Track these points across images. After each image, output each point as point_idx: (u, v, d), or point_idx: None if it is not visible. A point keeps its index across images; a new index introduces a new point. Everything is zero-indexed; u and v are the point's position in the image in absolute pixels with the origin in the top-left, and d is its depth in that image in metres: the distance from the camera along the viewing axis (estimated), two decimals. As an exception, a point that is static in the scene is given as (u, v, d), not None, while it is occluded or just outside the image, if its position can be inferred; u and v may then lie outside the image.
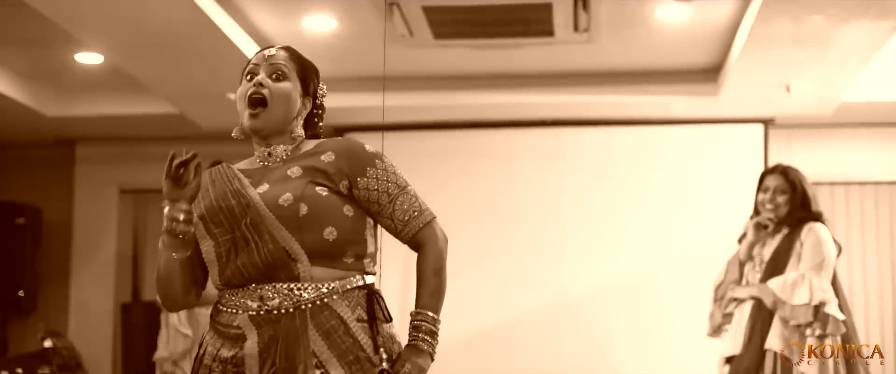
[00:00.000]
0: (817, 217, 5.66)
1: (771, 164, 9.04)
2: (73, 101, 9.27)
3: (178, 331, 5.71)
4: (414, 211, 3.07)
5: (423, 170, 8.94)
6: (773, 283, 5.54)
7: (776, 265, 5.62)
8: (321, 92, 3.26)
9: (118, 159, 10.15)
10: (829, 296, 5.43)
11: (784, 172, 5.74)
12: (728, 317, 5.81)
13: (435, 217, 3.11)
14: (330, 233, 2.93)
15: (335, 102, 9.09)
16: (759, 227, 5.71)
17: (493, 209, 9.28)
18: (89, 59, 8.18)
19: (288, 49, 3.16)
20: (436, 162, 9.22)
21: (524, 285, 9.10)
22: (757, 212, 5.80)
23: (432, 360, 2.97)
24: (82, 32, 7.10)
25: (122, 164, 10.16)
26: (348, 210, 3.00)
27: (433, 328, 2.98)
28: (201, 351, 3.04)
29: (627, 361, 8.95)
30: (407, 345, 2.97)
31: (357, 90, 8.70)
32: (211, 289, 3.11)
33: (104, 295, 10.09)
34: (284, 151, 3.10)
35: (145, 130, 9.70)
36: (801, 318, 5.39)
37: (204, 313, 5.79)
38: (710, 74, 8.66)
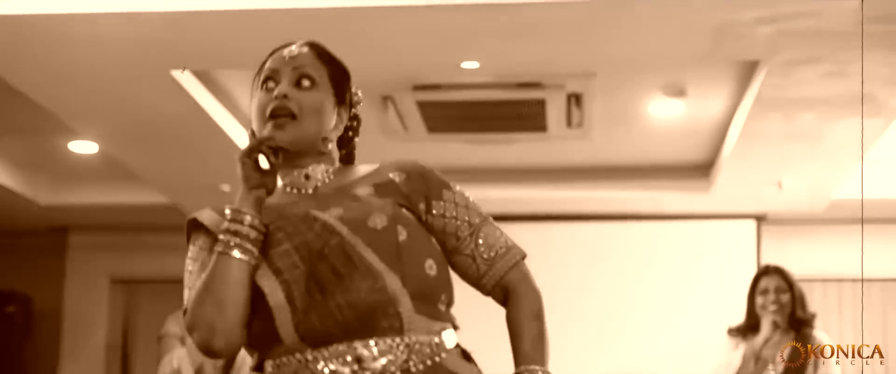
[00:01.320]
0: (812, 321, 5.72)
1: (764, 260, 9.08)
2: (66, 189, 9.27)
3: None
4: (501, 247, 2.41)
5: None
6: None
7: (796, 369, 5.59)
8: (357, 99, 2.58)
9: (110, 249, 10.12)
10: None
11: (779, 271, 5.81)
12: None
13: (526, 255, 2.46)
14: (430, 266, 2.24)
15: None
16: (776, 326, 5.69)
17: (482, 302, 9.23)
18: (83, 147, 8.19)
19: (314, 46, 2.40)
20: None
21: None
22: (751, 313, 5.83)
23: None
24: (76, 121, 7.12)
25: (113, 253, 10.12)
26: (435, 242, 2.33)
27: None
28: None
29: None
30: None
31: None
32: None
33: (93, 386, 10.03)
34: (325, 172, 2.38)
35: (138, 219, 9.68)
36: None
37: None
38: (702, 169, 8.68)
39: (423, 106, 7.22)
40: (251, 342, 2.22)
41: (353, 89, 2.53)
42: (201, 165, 7.90)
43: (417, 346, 2.15)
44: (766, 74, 6.16)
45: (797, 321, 5.69)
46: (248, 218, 2.17)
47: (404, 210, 2.28)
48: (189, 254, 2.32)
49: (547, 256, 9.45)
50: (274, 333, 2.15)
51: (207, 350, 2.18)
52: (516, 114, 7.43)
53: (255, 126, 2.32)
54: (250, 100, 2.38)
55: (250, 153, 2.20)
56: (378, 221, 2.21)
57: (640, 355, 9.07)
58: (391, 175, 2.38)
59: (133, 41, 5.62)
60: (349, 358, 2.10)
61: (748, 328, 5.84)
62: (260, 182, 2.20)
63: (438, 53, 6.05)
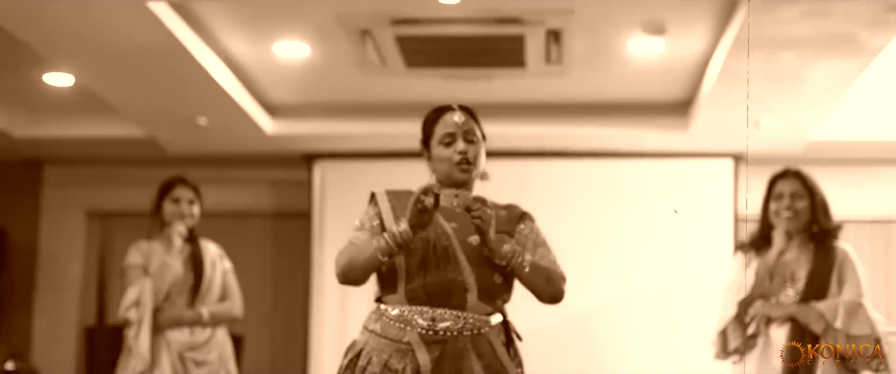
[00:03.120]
0: (835, 233, 5.15)
1: (740, 199, 9.11)
2: (42, 122, 9.21)
3: (140, 355, 5.73)
4: (550, 262, 3.77)
5: (393, 198, 8.92)
6: (824, 307, 4.92)
7: (817, 287, 5.01)
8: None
9: (86, 182, 10.08)
10: (892, 328, 4.95)
11: (798, 175, 5.21)
12: (752, 340, 5.08)
13: (566, 279, 3.81)
14: (498, 277, 3.58)
15: (306, 129, 9.10)
16: (789, 236, 5.07)
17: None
18: (59, 80, 8.11)
19: (467, 111, 3.81)
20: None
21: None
22: (765, 222, 5.21)
23: (514, 258, 3.58)
24: (51, 53, 7.07)
25: (89, 186, 10.09)
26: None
27: (521, 258, 3.59)
28: (364, 361, 3.48)
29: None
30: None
31: (328, 117, 8.69)
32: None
33: (68, 318, 10.02)
34: (454, 195, 3.63)
35: (114, 152, 9.63)
36: (859, 350, 4.87)
37: (174, 337, 5.84)
38: (680, 108, 8.68)
39: (401, 41, 7.18)
40: (380, 286, 3.58)
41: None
42: (177, 97, 7.86)
43: (471, 320, 3.49)
44: (746, 13, 6.14)
45: (818, 234, 5.10)
46: (401, 245, 3.46)
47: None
48: (365, 214, 3.67)
49: (524, 193, 9.40)
50: (394, 286, 3.53)
51: (346, 284, 3.60)
52: (495, 50, 7.41)
53: (440, 166, 3.71)
54: (436, 150, 3.78)
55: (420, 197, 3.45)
56: (474, 239, 3.55)
57: (617, 291, 9.12)
58: (499, 212, 3.71)
59: (109, -28, 5.57)
60: (427, 316, 3.46)
61: (761, 240, 5.21)
62: (419, 222, 3.46)
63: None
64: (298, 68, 7.83)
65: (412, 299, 3.47)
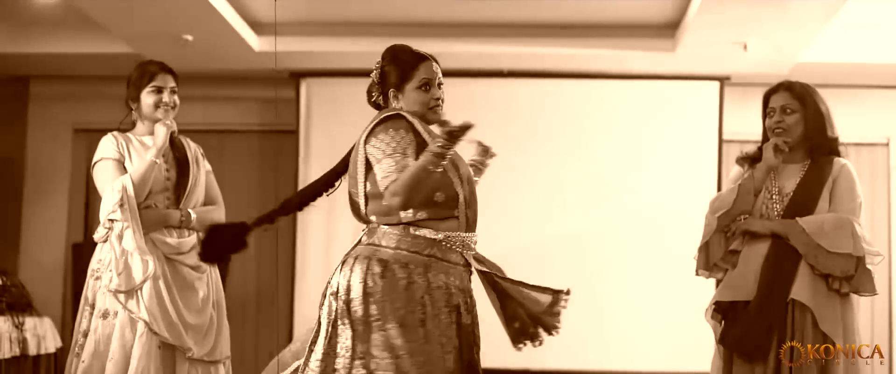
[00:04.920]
0: (836, 148, 4.85)
1: (726, 122, 9.14)
2: (28, 38, 9.17)
3: (140, 258, 5.12)
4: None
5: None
6: (807, 222, 4.65)
7: (803, 202, 4.73)
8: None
9: (73, 98, 10.06)
10: (872, 250, 4.63)
11: (790, 87, 4.89)
12: (733, 255, 4.84)
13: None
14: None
15: (293, 46, 9.07)
16: (778, 150, 4.74)
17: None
18: (45, -5, 8.09)
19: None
20: (392, 110, 9.19)
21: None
22: (764, 139, 4.92)
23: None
24: (38, -32, 7.03)
25: (76, 102, 10.06)
26: None
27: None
28: (402, 273, 3.89)
29: (585, 315, 9.00)
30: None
31: (315, 35, 8.67)
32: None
33: (56, 234, 10.05)
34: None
35: (100, 69, 9.59)
36: (838, 269, 4.57)
37: (159, 240, 5.06)
38: (667, 29, 8.67)
39: (389, -41, 7.16)
40: (417, 208, 3.94)
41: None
42: (164, 14, 7.84)
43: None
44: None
45: (812, 149, 4.81)
46: (448, 152, 3.82)
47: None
48: (397, 136, 3.96)
49: (510, 112, 9.46)
50: (452, 210, 4.01)
51: (408, 208, 3.94)
52: (483, -31, 7.38)
53: (419, 109, 4.09)
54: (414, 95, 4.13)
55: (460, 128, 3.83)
56: (475, 178, 4.31)
57: (602, 211, 9.16)
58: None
59: None
60: (468, 241, 4.04)
61: (760, 156, 4.90)
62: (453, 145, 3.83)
63: None
64: (286, -15, 7.82)
65: (459, 226, 4.01)
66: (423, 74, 4.14)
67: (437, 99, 4.14)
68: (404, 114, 4.05)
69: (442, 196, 3.98)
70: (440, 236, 3.95)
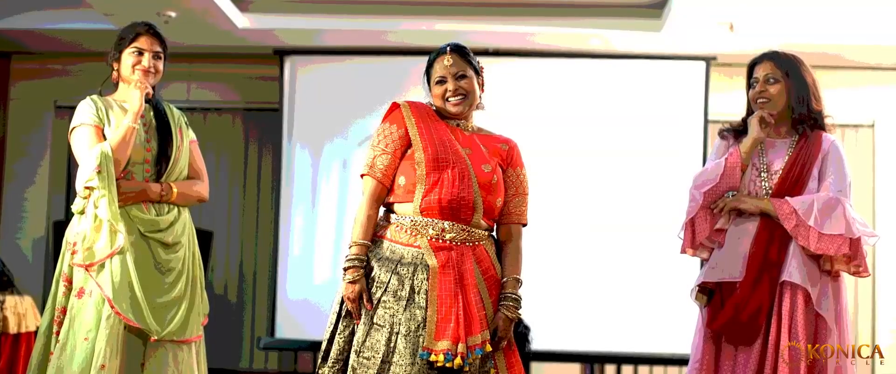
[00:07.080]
0: (822, 121, 4.73)
1: (712, 102, 9.12)
2: (9, 14, 9.12)
3: (109, 230, 4.76)
4: (524, 212, 4.38)
5: (363, 96, 8.89)
6: (797, 202, 4.53)
7: (793, 179, 4.62)
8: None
9: (54, 75, 10.01)
10: (869, 230, 4.54)
11: (774, 57, 4.79)
12: (719, 234, 4.72)
13: (527, 224, 4.41)
14: (499, 201, 4.25)
15: (277, 24, 9.02)
16: (763, 122, 4.65)
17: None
18: (26, -29, 8.04)
19: (458, 52, 4.41)
20: (374, 89, 9.13)
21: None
22: (748, 111, 4.82)
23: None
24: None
25: (57, 79, 10.02)
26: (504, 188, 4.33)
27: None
28: (374, 270, 4.10)
29: (568, 295, 9.00)
30: None
31: (299, 12, 8.63)
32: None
33: (37, 212, 10.01)
34: (467, 126, 4.39)
35: (83, 45, 9.54)
36: (831, 249, 4.45)
37: (136, 214, 4.86)
38: (653, 9, 8.65)
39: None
40: (395, 195, 4.21)
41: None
42: (147, -9, 7.80)
43: (474, 233, 4.15)
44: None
45: (797, 120, 4.71)
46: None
47: (499, 167, 4.27)
48: (387, 132, 4.26)
49: (496, 91, 9.41)
50: (411, 196, 4.14)
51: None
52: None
53: (434, 101, 4.37)
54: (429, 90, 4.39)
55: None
56: (486, 168, 4.20)
57: (588, 191, 9.15)
58: (500, 145, 4.36)
59: None
60: (436, 227, 4.10)
61: (744, 129, 4.81)
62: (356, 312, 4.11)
63: None
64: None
65: (426, 211, 4.11)
66: (437, 71, 4.39)
67: (450, 90, 4.34)
68: (401, 105, 4.36)
69: (404, 179, 4.25)
70: (407, 220, 4.18)
